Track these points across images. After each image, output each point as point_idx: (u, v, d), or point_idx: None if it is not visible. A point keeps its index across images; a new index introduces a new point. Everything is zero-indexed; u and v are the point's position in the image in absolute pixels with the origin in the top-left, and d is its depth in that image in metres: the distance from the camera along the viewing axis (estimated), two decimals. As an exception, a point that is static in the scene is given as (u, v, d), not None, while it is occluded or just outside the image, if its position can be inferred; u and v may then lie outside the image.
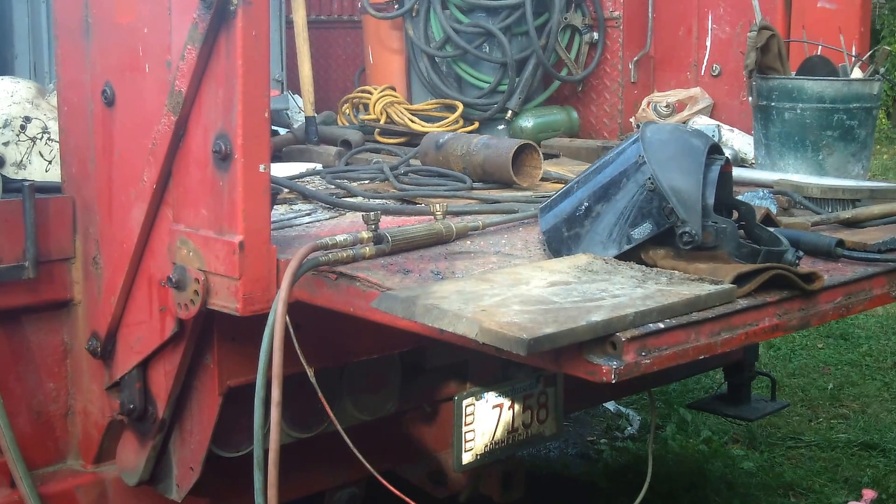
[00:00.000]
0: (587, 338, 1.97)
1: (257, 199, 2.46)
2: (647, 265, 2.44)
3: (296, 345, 2.32)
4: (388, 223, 2.83)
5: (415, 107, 4.69)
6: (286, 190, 3.33)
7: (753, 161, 4.05)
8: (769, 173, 3.72)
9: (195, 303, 2.54)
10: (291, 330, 2.31)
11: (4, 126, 3.10)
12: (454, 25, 4.63)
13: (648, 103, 4.72)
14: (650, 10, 4.86)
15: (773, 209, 3.12)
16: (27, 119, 3.12)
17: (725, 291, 2.23)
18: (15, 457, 2.84)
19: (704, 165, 2.53)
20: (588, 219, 2.57)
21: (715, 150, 2.61)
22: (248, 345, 2.61)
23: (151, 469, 2.96)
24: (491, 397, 3.21)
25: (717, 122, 4.47)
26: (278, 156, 4.25)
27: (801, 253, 2.49)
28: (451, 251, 2.71)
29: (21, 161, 3.11)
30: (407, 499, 2.47)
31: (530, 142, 3.78)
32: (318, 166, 3.99)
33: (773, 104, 3.77)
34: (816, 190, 3.35)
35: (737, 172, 3.26)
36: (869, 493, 3.63)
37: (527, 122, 4.71)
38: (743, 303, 2.26)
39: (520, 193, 3.52)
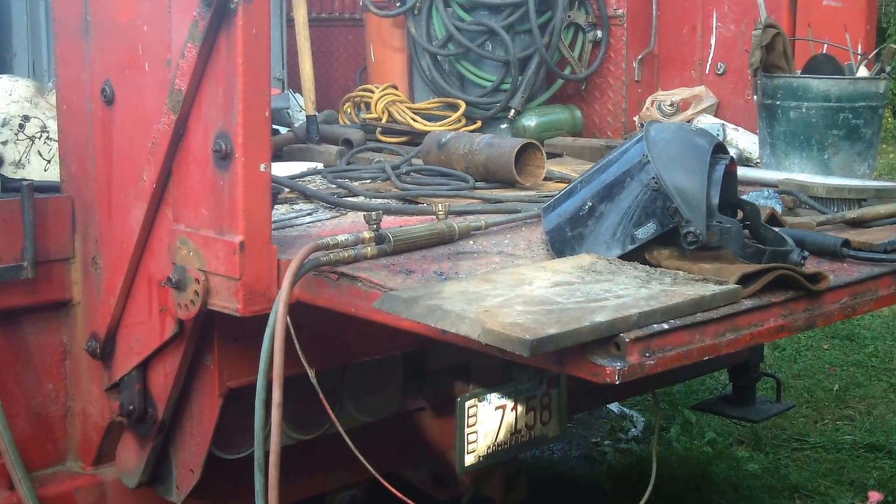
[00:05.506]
0: (591, 338, 1.96)
1: (258, 199, 2.45)
2: (651, 265, 2.42)
3: (297, 346, 2.31)
4: (389, 223, 2.82)
5: (417, 105, 4.68)
6: (287, 189, 3.32)
7: (758, 160, 4.03)
8: (774, 172, 3.70)
9: (195, 303, 2.52)
10: (292, 331, 2.30)
11: (3, 125, 3.08)
12: (456, 23, 4.62)
13: (652, 102, 4.69)
14: (654, 8, 4.84)
15: (779, 209, 3.10)
16: (26, 118, 3.11)
17: (730, 292, 2.22)
18: (14, 458, 2.83)
19: (709, 164, 2.52)
20: (591, 218, 2.55)
21: (720, 149, 2.60)
22: (249, 346, 2.60)
23: (151, 471, 2.95)
24: (494, 399, 3.19)
25: (722, 121, 4.45)
26: (279, 155, 4.23)
27: (806, 253, 2.47)
28: (454, 251, 2.69)
29: (19, 160, 3.10)
30: (409, 501, 2.46)
31: (533, 141, 3.76)
32: (320, 165, 3.97)
33: (778, 103, 3.75)
34: (822, 189, 3.33)
35: (742, 172, 3.24)
36: (875, 496, 3.61)
37: (530, 121, 4.69)
38: (748, 303, 2.25)
39: (523, 193, 3.50)
